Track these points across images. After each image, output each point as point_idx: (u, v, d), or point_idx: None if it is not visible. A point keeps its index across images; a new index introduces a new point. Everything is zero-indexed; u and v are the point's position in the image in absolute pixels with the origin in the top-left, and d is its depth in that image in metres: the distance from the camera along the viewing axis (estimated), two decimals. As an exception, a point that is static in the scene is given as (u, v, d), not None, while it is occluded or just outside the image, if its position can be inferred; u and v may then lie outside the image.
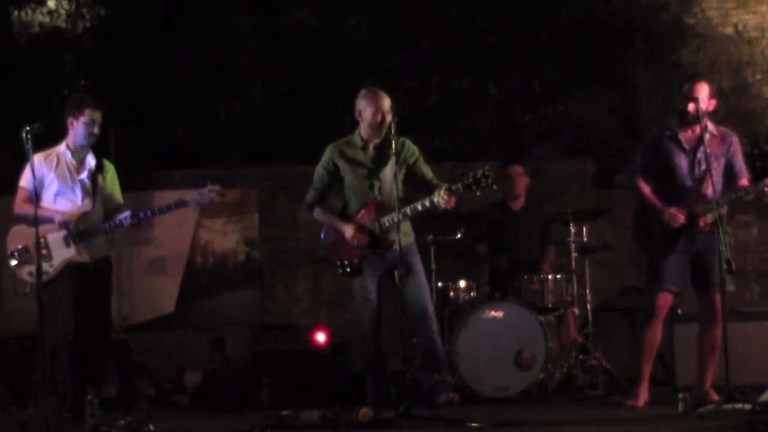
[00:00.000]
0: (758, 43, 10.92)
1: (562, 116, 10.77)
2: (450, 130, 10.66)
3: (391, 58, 10.86)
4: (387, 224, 6.43)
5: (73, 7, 11.49)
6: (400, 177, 6.43)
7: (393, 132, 6.30)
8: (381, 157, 6.54)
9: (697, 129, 6.48)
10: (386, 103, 6.49)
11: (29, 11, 11.53)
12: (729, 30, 10.93)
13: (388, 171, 6.51)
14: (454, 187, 6.23)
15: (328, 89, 10.80)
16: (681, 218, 6.44)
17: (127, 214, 6.51)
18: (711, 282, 6.45)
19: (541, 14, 10.91)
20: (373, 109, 6.46)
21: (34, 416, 5.36)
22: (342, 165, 6.58)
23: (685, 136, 6.58)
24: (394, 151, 6.36)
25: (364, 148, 6.56)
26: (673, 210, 6.47)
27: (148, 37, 11.00)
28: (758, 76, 10.88)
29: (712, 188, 6.31)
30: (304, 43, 10.95)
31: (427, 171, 6.61)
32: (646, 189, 6.66)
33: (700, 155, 6.49)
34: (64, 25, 11.50)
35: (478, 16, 10.97)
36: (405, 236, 6.44)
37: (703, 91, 6.48)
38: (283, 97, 10.91)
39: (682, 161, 6.56)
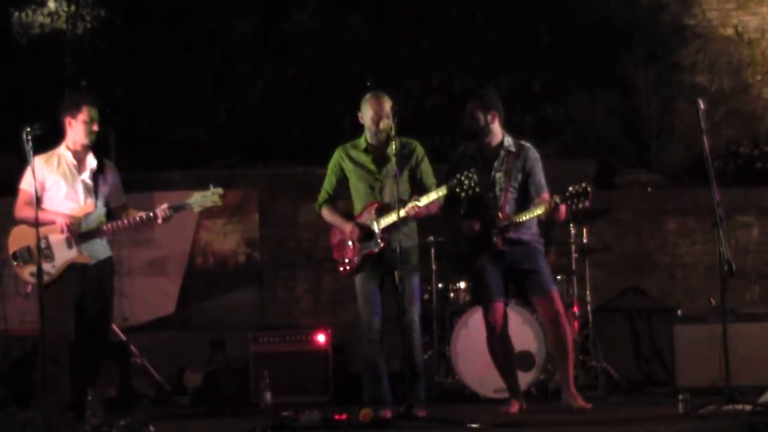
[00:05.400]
0: (758, 44, 10.92)
1: (562, 116, 10.77)
2: (450, 130, 10.65)
3: (391, 58, 10.85)
4: (385, 224, 6.47)
5: (74, 8, 11.49)
6: (402, 178, 6.51)
7: (394, 133, 6.42)
8: (383, 159, 6.61)
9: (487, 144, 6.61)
10: (386, 106, 6.55)
11: (29, 12, 11.53)
12: (729, 31, 10.93)
13: (389, 172, 6.57)
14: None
15: (328, 89, 10.80)
16: (476, 225, 6.48)
17: (165, 205, 6.50)
18: (534, 289, 6.53)
19: (541, 14, 10.91)
20: (371, 113, 6.54)
21: (35, 416, 5.36)
22: (347, 166, 6.68)
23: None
24: (394, 152, 6.43)
25: (367, 150, 6.64)
26: (471, 222, 6.52)
27: (148, 38, 11.00)
28: (758, 77, 10.88)
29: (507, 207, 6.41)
30: (304, 43, 10.95)
31: (427, 176, 6.64)
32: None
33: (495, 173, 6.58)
34: (64, 26, 11.50)
35: (477, 16, 10.97)
36: (406, 238, 6.47)
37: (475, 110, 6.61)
38: (283, 97, 10.90)
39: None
